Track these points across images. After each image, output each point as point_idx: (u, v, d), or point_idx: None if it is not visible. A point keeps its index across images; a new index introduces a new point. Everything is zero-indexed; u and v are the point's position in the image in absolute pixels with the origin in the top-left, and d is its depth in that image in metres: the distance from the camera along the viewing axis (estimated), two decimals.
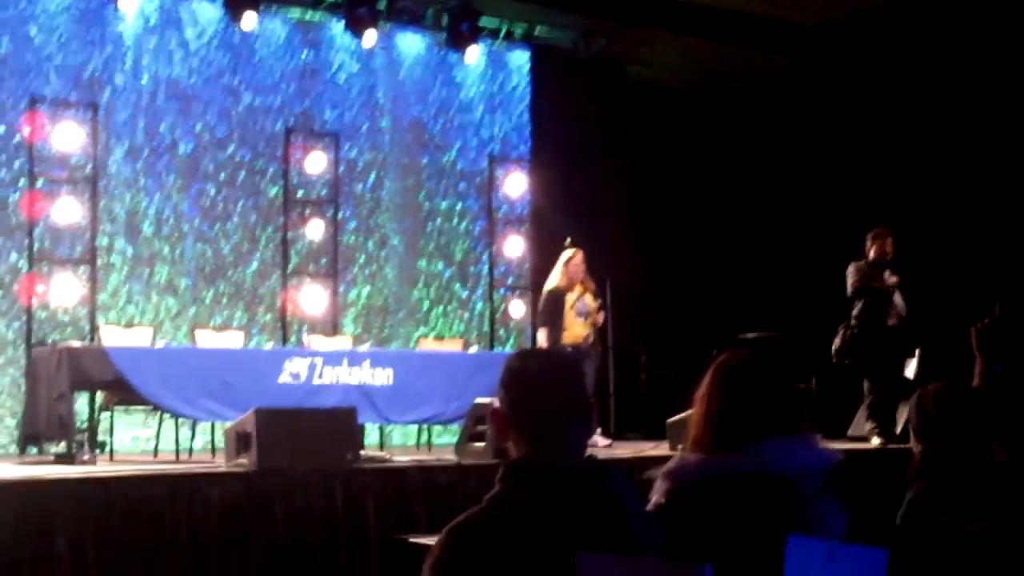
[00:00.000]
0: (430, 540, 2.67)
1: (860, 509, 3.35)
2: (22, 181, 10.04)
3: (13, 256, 9.96)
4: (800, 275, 12.75)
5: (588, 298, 9.78)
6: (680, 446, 7.53)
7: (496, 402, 2.68)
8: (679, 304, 13.08)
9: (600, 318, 9.83)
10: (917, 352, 9.82)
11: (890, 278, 9.76)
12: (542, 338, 9.71)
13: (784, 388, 3.19)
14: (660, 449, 8.69)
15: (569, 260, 9.78)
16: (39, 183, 10.12)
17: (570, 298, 9.71)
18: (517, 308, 12.39)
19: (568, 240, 9.98)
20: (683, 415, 7.95)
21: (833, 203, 13.04)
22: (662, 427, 8.91)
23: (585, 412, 2.68)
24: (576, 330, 9.67)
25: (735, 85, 13.53)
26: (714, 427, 3.09)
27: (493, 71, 12.49)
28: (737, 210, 13.81)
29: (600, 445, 9.15)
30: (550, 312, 9.74)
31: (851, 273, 9.83)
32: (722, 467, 3.02)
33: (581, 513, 2.51)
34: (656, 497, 3.06)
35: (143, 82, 10.59)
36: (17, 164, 10.03)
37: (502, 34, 12.25)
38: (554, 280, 9.84)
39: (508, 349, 12.03)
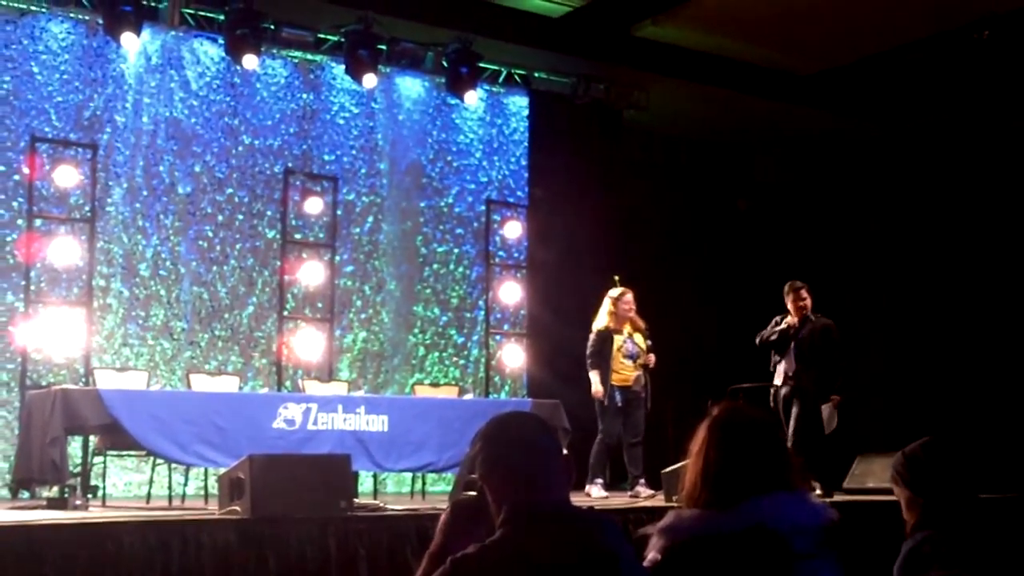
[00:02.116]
0: None
1: (856, 562, 3.33)
2: (20, 221, 10.03)
3: (9, 297, 9.93)
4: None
5: (638, 338, 9.54)
6: (675, 497, 7.50)
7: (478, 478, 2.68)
8: (675, 352, 13.04)
9: (651, 359, 9.53)
10: (828, 404, 9.64)
11: (789, 319, 9.61)
12: (596, 380, 9.37)
13: (780, 442, 3.17)
14: (656, 500, 8.62)
15: (618, 299, 9.51)
16: (37, 223, 10.12)
17: (619, 339, 9.46)
18: (513, 354, 12.31)
19: (616, 278, 9.72)
20: (678, 465, 7.91)
21: (828, 250, 13.05)
22: (658, 477, 8.83)
23: (561, 462, 2.69)
24: (624, 373, 9.45)
25: (731, 131, 13.58)
26: (710, 483, 3.06)
27: (492, 115, 12.50)
28: (731, 255, 13.82)
29: (594, 496, 8.96)
30: (598, 353, 9.44)
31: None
32: (718, 523, 3.00)
33: (584, 560, 2.50)
34: (652, 554, 3.04)
35: (143, 121, 10.59)
36: (16, 204, 10.03)
37: (501, 79, 12.28)
38: (602, 320, 9.54)
39: (504, 396, 11.96)
